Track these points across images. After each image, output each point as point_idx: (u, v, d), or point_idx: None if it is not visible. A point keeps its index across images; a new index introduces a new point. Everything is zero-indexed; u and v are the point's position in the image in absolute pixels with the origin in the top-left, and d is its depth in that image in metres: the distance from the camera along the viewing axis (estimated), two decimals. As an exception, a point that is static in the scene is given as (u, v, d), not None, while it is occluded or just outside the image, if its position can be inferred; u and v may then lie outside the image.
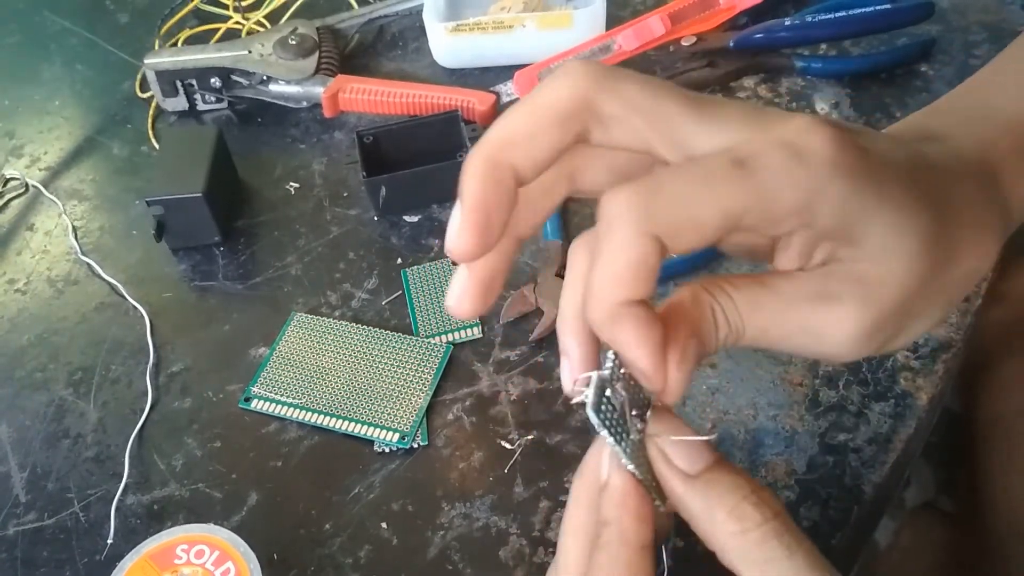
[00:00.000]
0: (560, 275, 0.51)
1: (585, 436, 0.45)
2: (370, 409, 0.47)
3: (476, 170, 0.28)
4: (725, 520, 0.27)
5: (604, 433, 0.28)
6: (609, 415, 0.28)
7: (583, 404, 0.28)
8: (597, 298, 0.27)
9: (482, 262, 0.29)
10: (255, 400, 0.48)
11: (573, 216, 0.55)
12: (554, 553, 0.41)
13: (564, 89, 0.28)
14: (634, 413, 0.29)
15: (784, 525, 0.27)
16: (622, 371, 0.28)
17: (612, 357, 0.28)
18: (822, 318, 0.27)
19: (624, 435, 0.28)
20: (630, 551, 0.28)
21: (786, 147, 0.26)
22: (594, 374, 0.28)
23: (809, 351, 0.28)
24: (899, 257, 0.27)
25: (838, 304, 0.27)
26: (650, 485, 0.29)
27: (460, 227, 0.27)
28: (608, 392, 0.28)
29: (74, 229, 0.60)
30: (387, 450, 0.46)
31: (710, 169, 0.26)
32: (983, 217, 0.30)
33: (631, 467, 0.28)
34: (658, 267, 0.27)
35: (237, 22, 0.72)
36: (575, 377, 0.30)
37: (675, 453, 0.29)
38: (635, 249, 0.26)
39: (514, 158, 0.28)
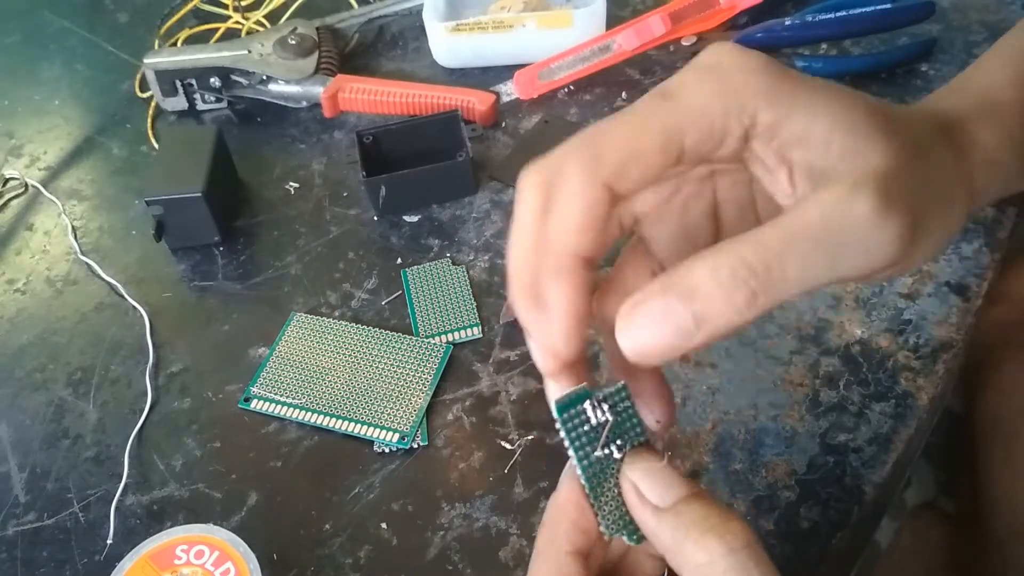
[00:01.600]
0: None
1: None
2: (370, 409, 0.47)
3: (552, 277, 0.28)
4: (692, 551, 0.27)
5: (563, 434, 0.28)
6: (578, 425, 0.29)
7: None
8: (549, 251, 0.28)
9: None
10: (255, 400, 0.48)
11: (573, 216, 0.55)
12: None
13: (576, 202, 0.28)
14: (617, 443, 0.29)
15: (753, 557, 0.27)
16: (627, 403, 0.30)
17: (620, 384, 0.30)
18: (843, 208, 0.25)
19: (587, 449, 0.29)
20: (556, 553, 0.29)
21: (699, 67, 0.28)
22: (583, 384, 0.29)
23: (864, 259, 0.26)
24: (864, 138, 0.27)
25: (843, 189, 0.26)
26: (616, 515, 0.30)
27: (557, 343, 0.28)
28: (588, 406, 0.29)
29: (73, 229, 0.60)
30: (387, 450, 0.46)
31: (639, 106, 0.28)
32: (945, 141, 0.30)
33: (583, 479, 0.29)
34: (606, 217, 0.28)
35: (237, 22, 0.72)
36: (551, 350, 0.29)
37: (647, 486, 0.29)
38: (584, 197, 0.27)
39: (578, 250, 0.28)
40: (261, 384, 0.49)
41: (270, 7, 0.72)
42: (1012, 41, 0.39)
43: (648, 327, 0.26)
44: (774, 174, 0.28)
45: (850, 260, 0.26)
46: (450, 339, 0.50)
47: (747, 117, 0.27)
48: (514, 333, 0.50)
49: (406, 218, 0.57)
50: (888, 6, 0.60)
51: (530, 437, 0.45)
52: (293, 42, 0.65)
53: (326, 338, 0.51)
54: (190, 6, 0.72)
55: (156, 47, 0.69)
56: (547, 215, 0.28)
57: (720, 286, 0.25)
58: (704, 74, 0.28)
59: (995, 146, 0.32)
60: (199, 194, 0.54)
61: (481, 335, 0.50)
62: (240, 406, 0.48)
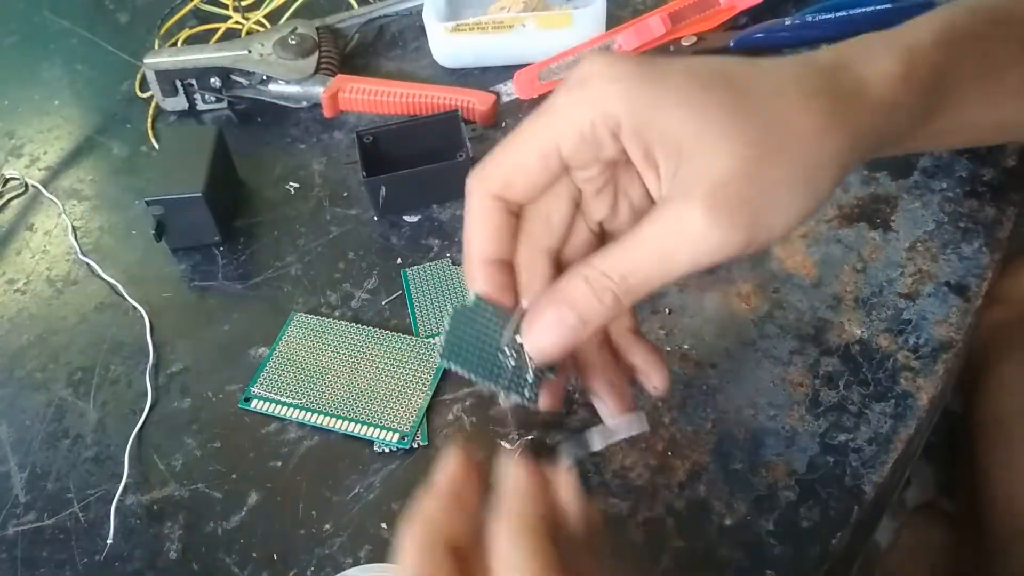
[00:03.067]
0: (560, 275, 0.51)
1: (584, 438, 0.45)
2: (370, 409, 0.47)
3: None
4: None
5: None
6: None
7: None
8: (465, 259, 0.35)
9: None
10: (255, 400, 0.48)
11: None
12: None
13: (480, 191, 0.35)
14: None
15: None
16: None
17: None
18: (676, 226, 0.31)
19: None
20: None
21: (570, 82, 0.33)
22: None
23: (694, 262, 0.31)
24: (708, 141, 0.31)
25: (680, 205, 0.31)
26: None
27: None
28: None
29: (74, 229, 0.60)
30: (387, 450, 0.46)
31: (521, 125, 0.34)
32: (818, 102, 0.32)
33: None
34: (506, 224, 0.35)
35: (237, 22, 0.72)
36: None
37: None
38: (479, 211, 0.34)
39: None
40: (261, 384, 0.49)
41: (270, 7, 0.72)
42: (945, 12, 0.39)
43: (549, 331, 0.33)
44: (645, 173, 0.34)
45: (686, 263, 0.31)
46: (450, 339, 0.50)
47: (612, 122, 0.32)
48: (514, 333, 0.50)
49: (406, 218, 0.57)
50: (888, 6, 0.61)
51: (530, 437, 0.45)
52: (293, 42, 0.65)
53: (326, 338, 0.51)
54: (190, 6, 0.72)
55: (156, 47, 0.69)
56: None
57: (592, 294, 0.32)
58: (573, 88, 0.32)
59: (890, 85, 0.33)
60: (199, 194, 0.54)
61: (481, 335, 0.50)
62: (240, 406, 0.48)
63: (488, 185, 0.34)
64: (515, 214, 0.35)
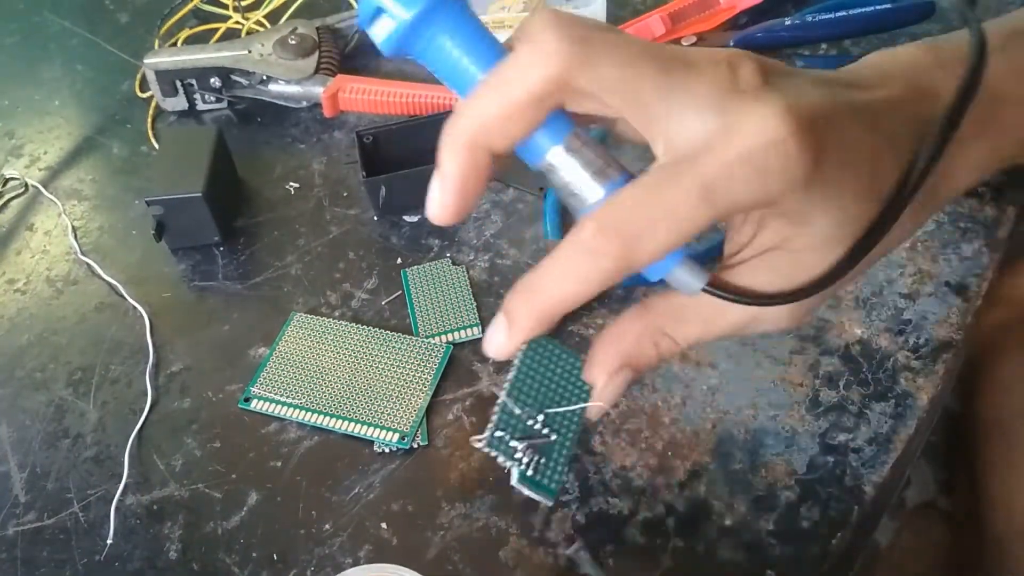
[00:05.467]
0: (560, 275, 0.51)
1: (584, 436, 0.45)
2: (370, 409, 0.47)
3: (453, 153, 0.30)
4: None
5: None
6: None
7: None
8: (472, 116, 0.29)
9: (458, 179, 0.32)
10: (255, 400, 0.48)
11: (572, 217, 0.55)
12: (554, 554, 0.42)
13: (538, 70, 0.28)
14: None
15: None
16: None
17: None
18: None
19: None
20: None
21: (747, 163, 0.27)
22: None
23: (750, 331, 0.34)
24: (839, 243, 0.30)
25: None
26: None
27: (440, 200, 0.31)
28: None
29: (74, 229, 0.60)
30: (387, 450, 0.46)
31: (678, 202, 0.28)
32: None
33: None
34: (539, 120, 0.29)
35: (237, 22, 0.72)
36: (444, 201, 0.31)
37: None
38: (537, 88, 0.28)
39: (490, 141, 0.30)
40: (261, 384, 0.49)
41: (270, 7, 0.72)
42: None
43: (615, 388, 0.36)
44: (744, 227, 0.32)
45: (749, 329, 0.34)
46: (450, 339, 0.50)
47: (767, 210, 0.30)
48: (514, 333, 0.50)
49: (406, 218, 0.57)
50: (888, 6, 0.61)
51: (530, 437, 0.45)
52: (293, 42, 0.65)
53: (326, 338, 0.51)
54: (190, 6, 0.72)
55: (156, 47, 0.69)
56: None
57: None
58: (751, 177, 0.28)
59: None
60: (199, 194, 0.54)
61: (481, 335, 0.50)
62: (240, 406, 0.48)
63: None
64: None
